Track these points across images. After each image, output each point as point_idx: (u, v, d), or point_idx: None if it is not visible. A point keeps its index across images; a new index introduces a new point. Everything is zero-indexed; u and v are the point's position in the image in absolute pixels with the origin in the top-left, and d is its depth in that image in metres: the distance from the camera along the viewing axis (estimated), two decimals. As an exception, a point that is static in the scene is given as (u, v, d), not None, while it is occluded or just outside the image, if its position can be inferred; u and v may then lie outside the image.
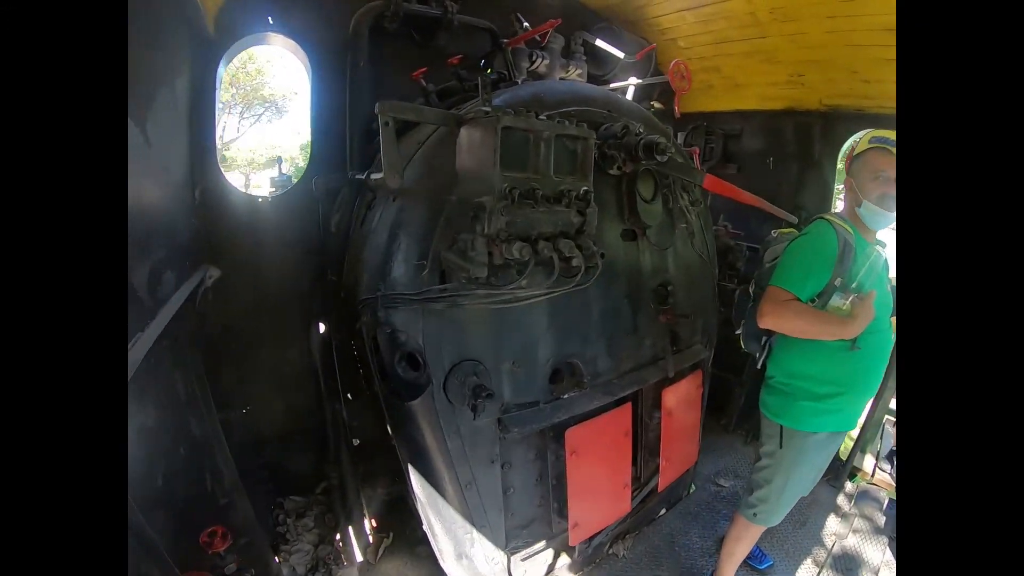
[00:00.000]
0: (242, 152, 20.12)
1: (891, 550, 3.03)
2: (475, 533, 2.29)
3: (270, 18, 2.59)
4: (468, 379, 2.04)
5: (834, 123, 3.84)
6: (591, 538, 2.72)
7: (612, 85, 3.76)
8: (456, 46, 2.96)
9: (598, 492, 2.57)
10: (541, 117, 1.87)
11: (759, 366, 2.42)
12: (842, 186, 2.34)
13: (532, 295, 2.01)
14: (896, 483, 3.57)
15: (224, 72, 2.91)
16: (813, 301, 2.05)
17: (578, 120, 1.99)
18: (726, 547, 2.60)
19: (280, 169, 11.89)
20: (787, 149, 4.11)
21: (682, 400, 2.88)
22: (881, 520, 3.33)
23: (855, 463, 3.73)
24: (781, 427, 2.25)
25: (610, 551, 2.94)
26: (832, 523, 3.29)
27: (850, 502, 3.50)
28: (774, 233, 2.55)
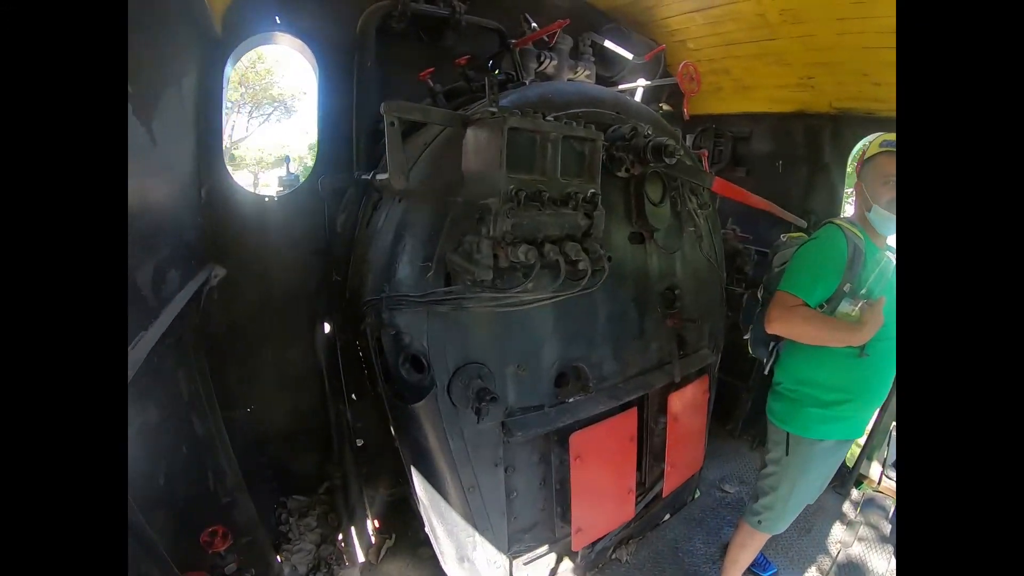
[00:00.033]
0: (251, 151, 20.25)
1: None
2: (477, 536, 2.28)
3: (277, 18, 2.58)
4: (472, 382, 2.03)
5: (844, 126, 3.80)
6: (594, 543, 2.70)
7: (621, 87, 3.74)
8: (464, 46, 2.95)
9: (602, 497, 2.55)
10: (548, 118, 1.85)
11: (766, 372, 2.39)
12: (852, 190, 2.32)
13: (537, 299, 1.99)
14: (896, 490, 3.53)
15: (232, 71, 2.91)
16: (822, 307, 2.03)
17: (586, 122, 1.97)
18: (730, 554, 2.58)
19: (288, 168, 11.91)
20: (797, 152, 4.06)
21: (688, 405, 2.86)
22: (887, 528, 3.29)
23: (862, 470, 3.69)
24: (787, 434, 2.23)
25: (613, 556, 2.93)
26: (837, 531, 3.26)
27: (856, 510, 3.46)
28: (783, 237, 2.53)
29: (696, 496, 3.49)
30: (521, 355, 2.18)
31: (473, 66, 2.86)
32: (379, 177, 2.27)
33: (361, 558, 2.74)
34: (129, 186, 1.16)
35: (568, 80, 3.38)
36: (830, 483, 2.47)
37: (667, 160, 2.19)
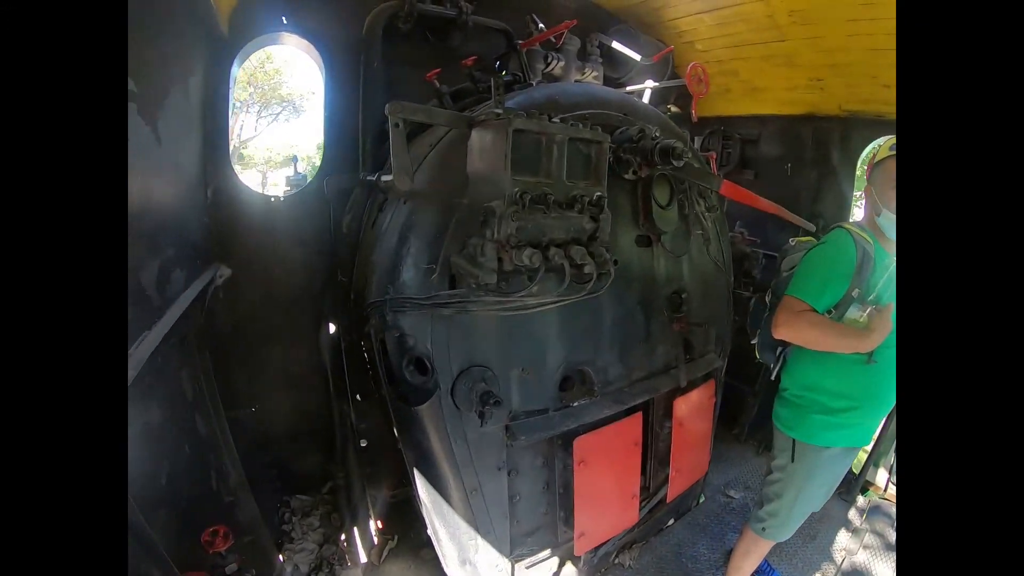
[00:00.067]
0: (260, 151, 20.33)
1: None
2: (479, 539, 2.27)
3: (284, 18, 2.59)
4: (476, 385, 2.02)
5: (854, 129, 3.77)
6: (597, 548, 2.68)
7: (628, 88, 3.73)
8: (470, 47, 2.95)
9: (606, 502, 2.54)
10: (554, 120, 1.84)
11: (773, 377, 2.37)
12: (861, 194, 2.29)
13: (542, 303, 1.98)
14: (896, 497, 3.49)
15: (239, 71, 2.92)
16: (830, 312, 2.00)
17: (593, 123, 1.96)
18: (734, 561, 2.56)
19: (295, 168, 11.98)
20: (805, 155, 4.03)
21: (694, 410, 2.83)
22: (892, 536, 3.25)
23: (868, 477, 3.65)
24: (794, 441, 2.20)
25: (616, 561, 2.91)
26: (842, 538, 3.22)
27: (861, 517, 3.42)
28: (792, 241, 2.51)
29: (700, 501, 3.46)
30: (525, 358, 2.17)
31: (480, 67, 2.85)
32: (384, 178, 2.27)
33: (363, 559, 2.74)
34: (134, 185, 1.17)
35: (575, 81, 3.37)
36: (836, 489, 2.44)
37: (675, 162, 2.17)
